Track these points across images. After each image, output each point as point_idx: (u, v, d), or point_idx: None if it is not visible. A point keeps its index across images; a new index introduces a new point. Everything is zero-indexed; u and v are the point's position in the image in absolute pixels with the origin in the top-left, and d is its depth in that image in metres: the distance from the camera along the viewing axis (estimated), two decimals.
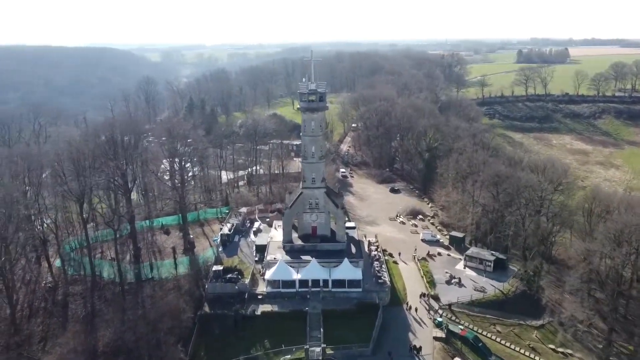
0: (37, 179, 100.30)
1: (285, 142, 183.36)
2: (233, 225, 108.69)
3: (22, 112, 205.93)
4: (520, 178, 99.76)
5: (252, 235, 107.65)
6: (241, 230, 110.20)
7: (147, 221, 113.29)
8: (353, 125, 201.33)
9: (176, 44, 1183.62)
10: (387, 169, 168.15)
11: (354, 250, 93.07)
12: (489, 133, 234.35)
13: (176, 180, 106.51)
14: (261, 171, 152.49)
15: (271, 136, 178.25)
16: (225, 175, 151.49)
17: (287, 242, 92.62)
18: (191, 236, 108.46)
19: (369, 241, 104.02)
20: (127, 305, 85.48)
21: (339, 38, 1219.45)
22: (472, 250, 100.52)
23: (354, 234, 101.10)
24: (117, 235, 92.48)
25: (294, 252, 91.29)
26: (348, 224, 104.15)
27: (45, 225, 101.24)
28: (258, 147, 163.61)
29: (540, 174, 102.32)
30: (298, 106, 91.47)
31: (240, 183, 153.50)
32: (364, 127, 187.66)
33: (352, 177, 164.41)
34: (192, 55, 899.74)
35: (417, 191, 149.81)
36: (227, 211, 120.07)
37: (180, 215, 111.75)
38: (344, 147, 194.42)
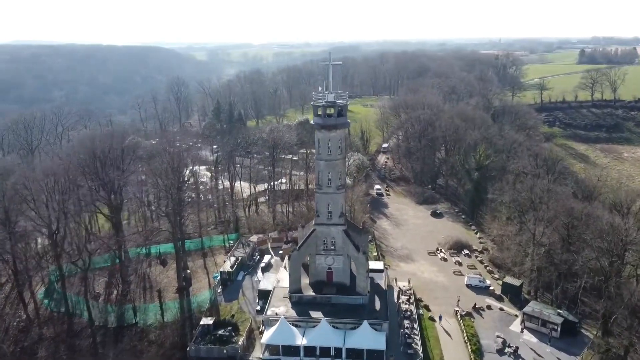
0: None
1: (306, 151, 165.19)
2: (237, 259, 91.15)
3: (46, 114, 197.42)
4: (599, 218, 76.97)
5: (259, 273, 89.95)
6: (248, 266, 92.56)
7: (144, 249, 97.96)
8: (390, 140, 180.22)
9: (224, 43, 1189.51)
10: (429, 186, 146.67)
11: (378, 305, 73.48)
12: (549, 143, 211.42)
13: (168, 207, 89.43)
14: (285, 186, 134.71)
15: (299, 145, 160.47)
16: (248, 189, 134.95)
17: (294, 292, 74.13)
18: (188, 271, 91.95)
19: (399, 289, 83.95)
20: None
21: (386, 37, 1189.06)
22: (533, 307, 78.46)
23: (381, 279, 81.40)
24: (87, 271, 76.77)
25: (301, 305, 72.68)
26: (374, 265, 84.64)
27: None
28: (284, 157, 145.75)
29: (624, 214, 79.14)
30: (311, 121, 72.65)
31: (262, 199, 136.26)
32: (404, 137, 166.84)
33: (389, 195, 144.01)
34: (237, 54, 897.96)
35: (463, 216, 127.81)
36: (235, 238, 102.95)
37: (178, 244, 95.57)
38: (382, 159, 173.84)
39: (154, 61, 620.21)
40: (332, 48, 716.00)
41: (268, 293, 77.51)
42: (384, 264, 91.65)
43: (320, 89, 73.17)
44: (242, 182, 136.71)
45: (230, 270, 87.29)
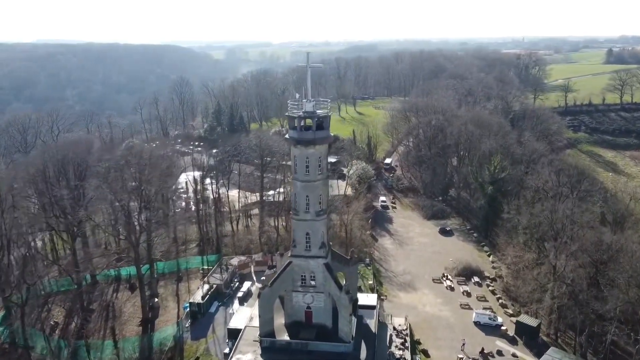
0: None
1: None
2: (211, 287, 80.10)
3: (41, 115, 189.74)
4: (633, 253, 63.84)
5: (235, 304, 78.94)
6: (224, 295, 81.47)
7: (112, 271, 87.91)
8: (398, 150, 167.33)
9: (243, 42, 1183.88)
10: (440, 198, 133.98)
11: (364, 354, 61.80)
12: (573, 149, 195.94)
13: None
14: (282, 197, 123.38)
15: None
16: (245, 199, 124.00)
17: (265, 335, 62.89)
18: (156, 299, 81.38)
19: (394, 328, 71.84)
20: None
21: (407, 36, 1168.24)
22: (553, 356, 65.73)
23: (372, 317, 69.68)
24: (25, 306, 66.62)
25: (273, 353, 61.45)
26: (365, 300, 73.15)
27: None
28: (284, 164, 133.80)
29: None
30: (287, 135, 60.97)
31: (255, 211, 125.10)
32: (415, 143, 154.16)
33: (395, 207, 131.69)
34: (255, 53, 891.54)
35: (475, 234, 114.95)
36: (215, 260, 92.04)
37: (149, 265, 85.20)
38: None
39: (169, 60, 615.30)
40: (350, 47, 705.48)
41: (238, 332, 66.57)
42: (379, 296, 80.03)
43: (297, 96, 61.75)
44: (239, 192, 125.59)
45: (201, 301, 76.25)
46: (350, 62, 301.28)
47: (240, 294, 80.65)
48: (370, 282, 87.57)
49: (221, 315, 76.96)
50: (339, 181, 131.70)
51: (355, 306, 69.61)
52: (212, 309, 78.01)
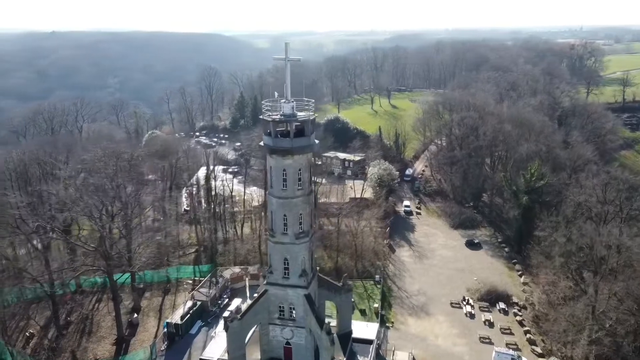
0: None
1: (331, 155, 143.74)
2: (194, 305, 71.92)
3: (65, 105, 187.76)
4: None
5: (220, 326, 70.32)
6: (210, 313, 73.18)
7: (97, 278, 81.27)
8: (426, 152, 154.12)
9: (288, 31, 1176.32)
10: (471, 204, 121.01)
11: None
12: (630, 151, 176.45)
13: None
14: None
15: (328, 147, 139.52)
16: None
17: None
18: (135, 315, 73.98)
19: None
20: None
21: (455, 25, 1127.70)
22: None
23: (367, 355, 59.42)
24: None
25: None
26: (362, 332, 62.85)
27: None
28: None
29: None
30: (262, 142, 50.99)
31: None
32: (447, 142, 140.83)
33: (419, 214, 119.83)
34: (299, 41, 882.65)
35: (506, 249, 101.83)
36: (208, 270, 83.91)
37: (143, 273, 78.16)
38: (419, 167, 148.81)
39: (211, 49, 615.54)
40: (395, 36, 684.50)
41: None
42: (384, 323, 69.67)
43: (276, 94, 51.80)
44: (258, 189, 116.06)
45: (179, 321, 68.09)
46: (388, 52, 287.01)
47: (228, 312, 71.98)
48: (376, 305, 76.99)
49: (202, 338, 68.66)
50: (355, 182, 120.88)
51: (348, 340, 59.78)
52: (194, 330, 69.86)
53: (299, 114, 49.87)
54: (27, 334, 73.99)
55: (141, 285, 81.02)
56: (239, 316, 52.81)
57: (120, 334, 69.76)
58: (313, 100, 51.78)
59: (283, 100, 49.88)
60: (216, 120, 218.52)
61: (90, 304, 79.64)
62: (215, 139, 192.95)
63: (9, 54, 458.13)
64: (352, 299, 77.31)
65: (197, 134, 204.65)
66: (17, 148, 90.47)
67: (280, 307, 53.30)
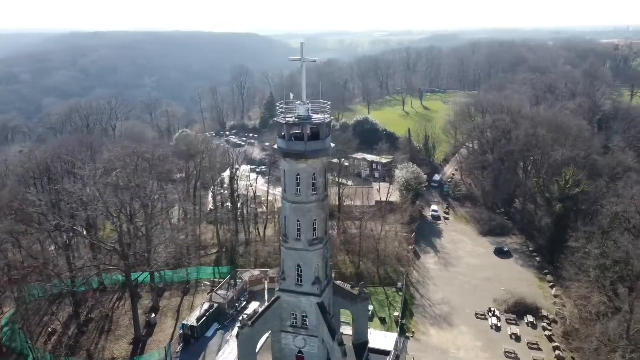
0: None
1: (358, 156, 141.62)
2: (211, 307, 71.38)
3: (100, 103, 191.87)
4: None
5: (236, 329, 69.46)
6: (227, 316, 72.50)
7: (119, 276, 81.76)
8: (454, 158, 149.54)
9: (323, 30, 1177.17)
10: (502, 210, 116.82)
11: None
12: None
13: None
14: None
15: (354, 148, 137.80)
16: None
17: None
18: (153, 315, 74.03)
19: None
20: None
21: (495, 24, 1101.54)
22: None
23: None
24: None
25: None
26: (379, 342, 60.89)
27: None
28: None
29: None
30: (276, 145, 49.61)
31: None
32: (479, 145, 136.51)
33: (447, 218, 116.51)
34: (333, 41, 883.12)
35: (538, 258, 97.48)
36: (228, 272, 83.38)
37: (163, 273, 78.32)
38: (449, 171, 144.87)
39: (247, 48, 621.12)
40: (432, 36, 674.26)
41: None
42: (404, 333, 67.32)
43: (291, 96, 50.41)
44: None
45: (195, 324, 67.62)
46: (422, 52, 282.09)
47: (243, 316, 70.95)
48: (396, 313, 74.61)
49: (217, 341, 68.01)
50: (382, 184, 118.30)
51: (364, 350, 57.87)
52: (210, 333, 69.26)
53: (314, 116, 48.27)
54: (49, 329, 75.17)
55: (161, 285, 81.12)
56: (249, 322, 51.63)
57: (137, 333, 69.83)
58: (329, 102, 50.07)
59: (298, 102, 48.40)
60: (246, 120, 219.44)
61: (111, 301, 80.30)
62: (244, 138, 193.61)
63: (54, 52, 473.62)
64: (372, 306, 75.76)
65: (227, 133, 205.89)
66: (42, 145, 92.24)
67: (292, 314, 51.89)
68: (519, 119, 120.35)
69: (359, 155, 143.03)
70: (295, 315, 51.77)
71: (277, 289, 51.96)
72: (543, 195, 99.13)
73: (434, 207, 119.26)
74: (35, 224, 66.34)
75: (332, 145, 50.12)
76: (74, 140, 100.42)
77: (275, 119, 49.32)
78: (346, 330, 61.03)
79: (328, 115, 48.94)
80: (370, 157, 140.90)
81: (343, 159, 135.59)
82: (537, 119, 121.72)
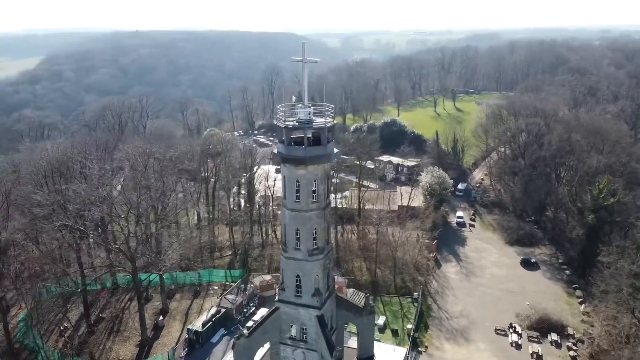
0: None
1: (384, 159, 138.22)
2: (218, 312, 70.05)
3: (132, 102, 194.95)
4: None
5: None
6: (234, 322, 70.99)
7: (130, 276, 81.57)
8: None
9: (361, 30, 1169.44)
10: (532, 218, 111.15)
11: None
12: None
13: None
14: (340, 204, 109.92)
15: (380, 151, 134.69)
16: None
17: None
18: (161, 318, 73.31)
19: None
20: None
21: (540, 24, 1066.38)
22: None
23: None
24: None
25: None
26: (387, 357, 57.98)
27: None
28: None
29: None
30: (276, 150, 47.37)
31: None
32: (511, 149, 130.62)
33: (473, 226, 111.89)
34: (370, 41, 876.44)
35: (567, 271, 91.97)
36: (239, 276, 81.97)
37: (175, 274, 77.66)
38: (478, 176, 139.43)
39: (282, 48, 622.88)
40: (473, 35, 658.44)
41: None
42: (416, 347, 64.16)
43: (293, 98, 48.41)
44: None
45: (200, 329, 66.36)
46: (457, 52, 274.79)
47: (250, 324, 69.40)
48: (409, 326, 71.32)
49: (222, 348, 66.62)
50: (407, 188, 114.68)
51: None
52: (215, 339, 67.90)
53: (316, 120, 45.88)
54: (61, 327, 75.62)
55: (172, 287, 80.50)
56: (246, 333, 49.72)
57: (144, 336, 69.20)
58: (332, 106, 47.54)
59: (299, 105, 46.14)
60: (275, 119, 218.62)
61: (122, 302, 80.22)
62: (272, 138, 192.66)
63: (97, 52, 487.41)
64: (384, 318, 72.91)
65: (256, 132, 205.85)
66: (53, 145, 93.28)
67: (291, 326, 49.71)
68: (553, 123, 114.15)
69: (385, 157, 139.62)
70: (293, 326, 49.57)
71: (276, 299, 49.89)
72: (575, 204, 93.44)
73: (459, 213, 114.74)
74: (45, 223, 66.48)
75: (335, 150, 47.56)
76: (87, 139, 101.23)
77: (274, 122, 47.14)
78: (354, 343, 58.64)
79: (331, 120, 46.45)
80: (396, 159, 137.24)
81: (369, 161, 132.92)
82: (573, 123, 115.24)
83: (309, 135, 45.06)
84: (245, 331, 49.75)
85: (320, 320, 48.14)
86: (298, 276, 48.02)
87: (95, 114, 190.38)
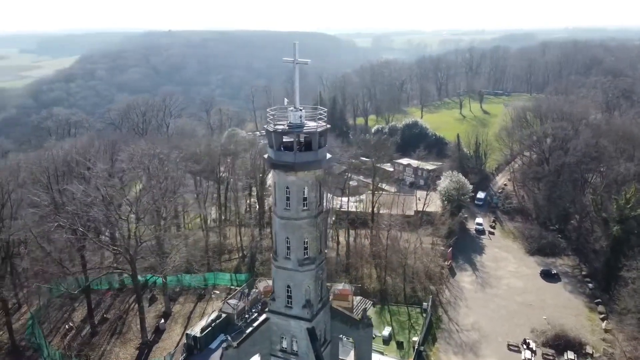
0: None
1: (403, 162, 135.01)
2: (217, 318, 68.67)
3: (155, 101, 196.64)
4: None
5: None
6: (235, 328, 69.50)
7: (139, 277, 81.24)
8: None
9: (392, 30, 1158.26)
10: (556, 226, 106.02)
11: None
12: None
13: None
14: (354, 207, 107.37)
15: (400, 154, 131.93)
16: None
17: None
18: (162, 321, 72.49)
19: None
20: None
21: (577, 23, 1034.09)
22: None
23: None
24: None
25: None
26: None
27: None
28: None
29: None
30: (268, 156, 45.39)
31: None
32: (535, 155, 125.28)
33: (493, 233, 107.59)
34: (401, 41, 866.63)
35: (590, 284, 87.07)
36: (245, 280, 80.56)
37: (180, 276, 76.95)
38: (500, 181, 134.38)
39: (312, 47, 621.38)
40: (506, 35, 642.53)
41: None
42: None
43: (285, 101, 46.29)
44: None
45: (199, 334, 65.13)
46: (486, 52, 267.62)
47: (250, 330, 67.73)
48: (415, 338, 68.36)
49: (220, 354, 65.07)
50: (422, 192, 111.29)
51: None
52: (215, 345, 66.56)
53: (308, 124, 43.82)
54: (66, 326, 75.82)
55: (177, 289, 79.74)
56: (234, 344, 48.03)
57: (145, 339, 68.49)
58: (325, 109, 45.41)
59: (291, 108, 44.17)
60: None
61: (127, 303, 79.89)
62: None
63: (130, 51, 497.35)
64: (389, 328, 70.27)
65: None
66: (57, 146, 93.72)
67: (282, 338, 47.85)
68: (582, 127, 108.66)
69: (404, 160, 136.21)
70: (284, 337, 47.68)
71: (267, 309, 48.09)
72: (599, 214, 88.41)
73: (479, 219, 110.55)
74: (48, 223, 66.53)
75: (329, 156, 45.39)
76: (92, 140, 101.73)
77: (264, 126, 45.34)
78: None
79: (324, 124, 44.28)
80: (415, 162, 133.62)
81: (387, 164, 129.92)
82: (603, 128, 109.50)
83: (301, 139, 43.13)
84: (233, 342, 47.96)
85: (311, 333, 46.09)
86: (289, 286, 46.13)
87: (120, 113, 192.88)
